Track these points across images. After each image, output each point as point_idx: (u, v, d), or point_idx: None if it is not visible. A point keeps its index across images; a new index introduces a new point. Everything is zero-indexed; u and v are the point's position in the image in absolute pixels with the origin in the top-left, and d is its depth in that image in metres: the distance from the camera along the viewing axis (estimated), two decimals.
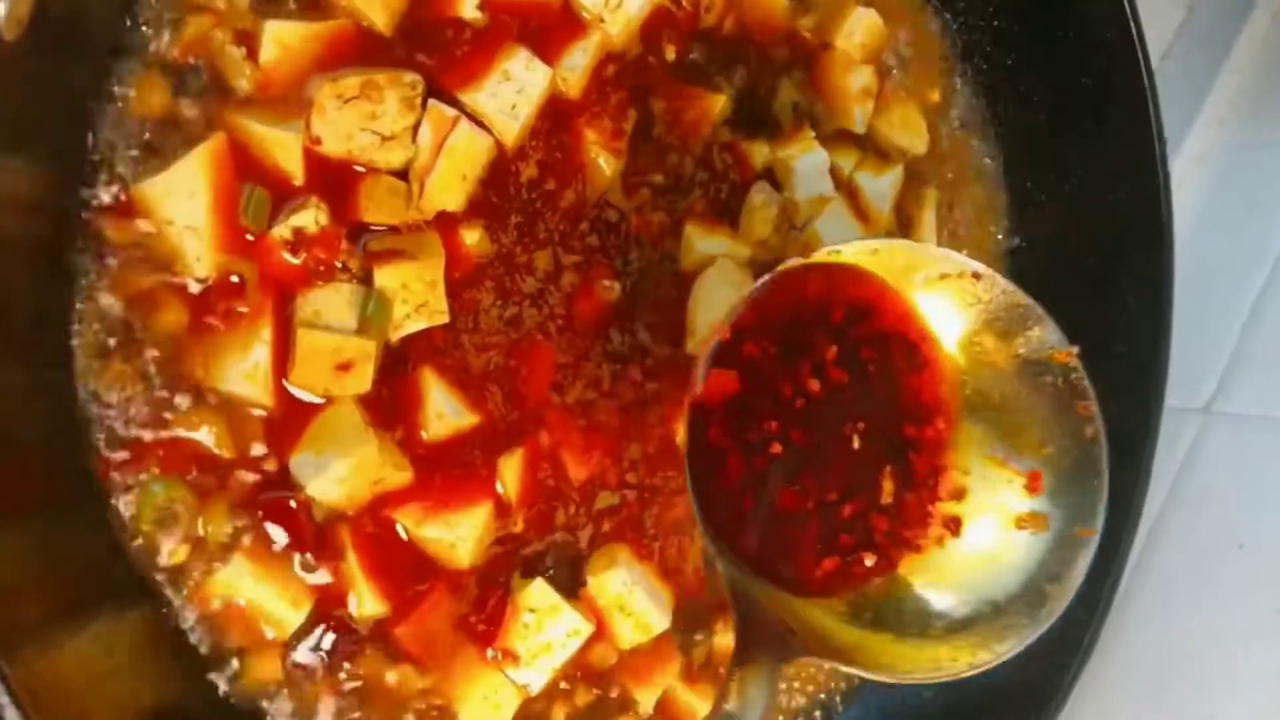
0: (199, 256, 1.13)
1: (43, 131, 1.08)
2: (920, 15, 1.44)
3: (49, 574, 1.04)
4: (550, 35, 1.26)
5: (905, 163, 1.40)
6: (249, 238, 1.14)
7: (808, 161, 1.33)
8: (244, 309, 1.14)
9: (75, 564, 1.08)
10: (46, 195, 1.11)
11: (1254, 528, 1.41)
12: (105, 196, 1.13)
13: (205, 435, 1.14)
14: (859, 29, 1.37)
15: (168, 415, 1.14)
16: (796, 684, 1.41)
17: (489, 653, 1.21)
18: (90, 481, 1.12)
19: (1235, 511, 1.46)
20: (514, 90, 1.22)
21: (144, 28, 1.15)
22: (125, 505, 1.13)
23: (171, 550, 1.14)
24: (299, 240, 1.14)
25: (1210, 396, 1.57)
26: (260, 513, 1.15)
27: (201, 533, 1.14)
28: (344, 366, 1.14)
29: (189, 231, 1.12)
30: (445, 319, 1.19)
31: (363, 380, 1.15)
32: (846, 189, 1.36)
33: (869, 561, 1.07)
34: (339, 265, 1.16)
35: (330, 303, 1.15)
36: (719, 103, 1.32)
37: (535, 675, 1.22)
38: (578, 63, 1.27)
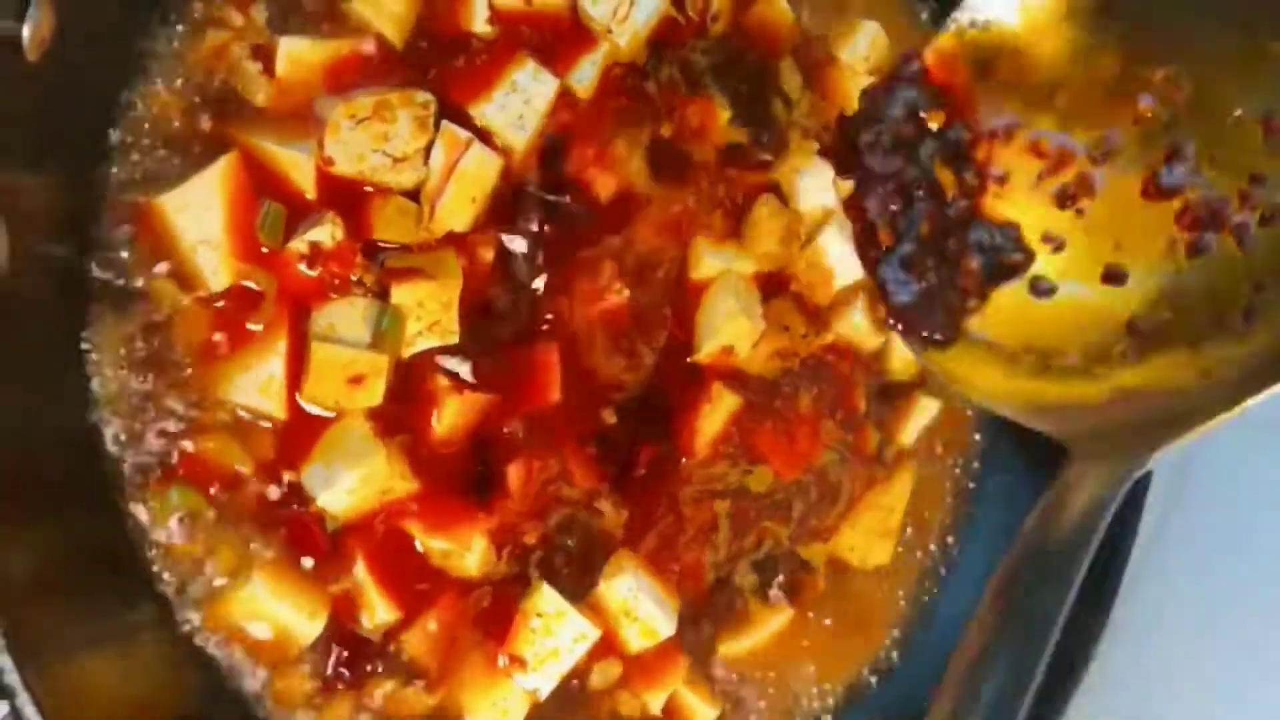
0: (215, 270, 1.14)
1: (60, 149, 1.10)
2: (923, 29, 1.44)
3: (68, 583, 1.06)
4: (560, 48, 1.27)
5: None
6: (264, 250, 1.16)
7: (811, 174, 1.33)
8: (260, 322, 1.16)
9: (94, 575, 1.11)
10: (64, 210, 1.12)
11: (1253, 528, 1.42)
12: (122, 211, 1.15)
13: (220, 448, 1.16)
14: (863, 42, 1.38)
15: (183, 429, 1.16)
16: (802, 694, 1.43)
17: (499, 659, 1.23)
18: (108, 493, 1.15)
19: (1235, 511, 1.46)
20: (521, 101, 1.23)
21: (162, 43, 1.17)
22: (142, 516, 1.15)
23: (189, 560, 1.16)
24: (315, 254, 1.16)
25: None
26: (275, 525, 1.17)
27: (218, 543, 1.16)
28: (356, 380, 1.16)
29: (204, 245, 1.13)
30: (455, 339, 1.21)
31: (373, 394, 1.17)
32: None
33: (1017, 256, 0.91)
34: (354, 280, 1.17)
35: (344, 317, 1.16)
36: (724, 115, 1.33)
37: (543, 680, 1.23)
38: (587, 75, 1.28)
